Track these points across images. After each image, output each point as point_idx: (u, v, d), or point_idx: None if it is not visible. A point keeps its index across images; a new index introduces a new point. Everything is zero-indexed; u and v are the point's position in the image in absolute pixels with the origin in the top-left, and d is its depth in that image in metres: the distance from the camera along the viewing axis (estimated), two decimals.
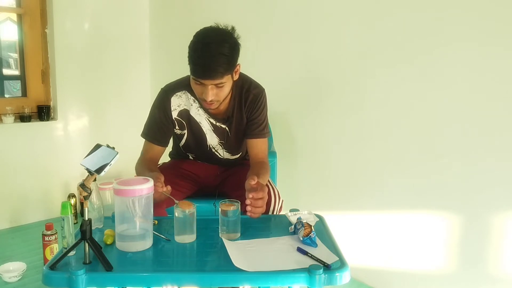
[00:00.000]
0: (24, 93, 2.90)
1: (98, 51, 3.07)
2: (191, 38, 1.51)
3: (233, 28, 1.51)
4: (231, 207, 1.32)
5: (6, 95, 3.05)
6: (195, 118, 1.69)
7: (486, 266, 1.66)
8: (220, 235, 1.34)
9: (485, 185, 1.63)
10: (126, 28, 3.20)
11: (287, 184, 2.28)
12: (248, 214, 1.38)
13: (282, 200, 1.65)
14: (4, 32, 2.99)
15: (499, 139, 1.58)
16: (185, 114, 1.68)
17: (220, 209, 1.33)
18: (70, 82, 2.95)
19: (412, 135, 1.84)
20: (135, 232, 1.25)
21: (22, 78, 2.90)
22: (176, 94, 1.66)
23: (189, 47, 1.47)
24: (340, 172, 2.15)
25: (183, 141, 1.75)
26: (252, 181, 1.39)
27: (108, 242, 1.27)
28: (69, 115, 2.98)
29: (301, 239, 1.27)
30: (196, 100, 1.66)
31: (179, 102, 1.67)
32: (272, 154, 2.06)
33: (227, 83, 1.50)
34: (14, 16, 2.89)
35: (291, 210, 1.53)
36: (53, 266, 1.12)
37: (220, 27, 1.50)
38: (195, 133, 1.72)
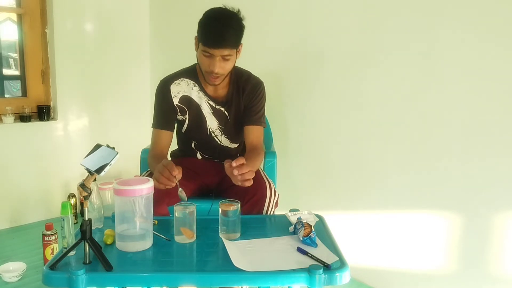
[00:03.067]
0: (24, 93, 2.90)
1: (98, 51, 3.07)
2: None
3: (239, 11, 1.65)
4: (231, 207, 1.32)
5: (6, 95, 3.05)
6: (196, 101, 1.78)
7: (487, 266, 1.66)
8: (220, 235, 1.34)
9: (486, 184, 1.63)
10: (126, 28, 3.20)
11: (286, 184, 2.28)
12: (239, 178, 1.36)
13: (278, 195, 1.65)
14: (4, 32, 2.99)
15: (499, 139, 1.58)
16: (185, 99, 1.78)
17: (220, 209, 1.33)
18: (70, 82, 2.95)
19: (412, 134, 1.84)
20: (135, 232, 1.25)
21: (22, 78, 2.90)
22: (175, 82, 1.78)
23: (200, 23, 1.61)
24: (340, 172, 2.15)
25: (185, 126, 1.83)
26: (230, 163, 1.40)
27: (108, 242, 1.27)
28: (69, 115, 2.98)
29: (301, 239, 1.27)
30: (196, 84, 1.77)
31: (178, 89, 1.78)
32: (272, 154, 2.06)
33: (232, 57, 1.62)
34: (14, 16, 2.89)
35: (291, 210, 1.53)
36: (53, 266, 1.12)
37: (227, 8, 1.65)
38: (196, 116, 1.80)
